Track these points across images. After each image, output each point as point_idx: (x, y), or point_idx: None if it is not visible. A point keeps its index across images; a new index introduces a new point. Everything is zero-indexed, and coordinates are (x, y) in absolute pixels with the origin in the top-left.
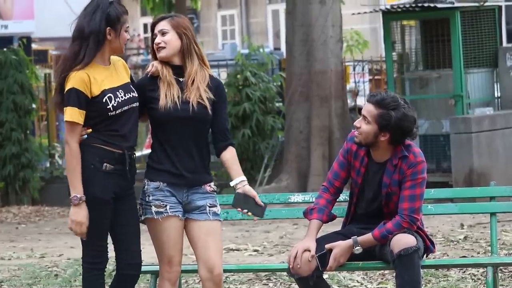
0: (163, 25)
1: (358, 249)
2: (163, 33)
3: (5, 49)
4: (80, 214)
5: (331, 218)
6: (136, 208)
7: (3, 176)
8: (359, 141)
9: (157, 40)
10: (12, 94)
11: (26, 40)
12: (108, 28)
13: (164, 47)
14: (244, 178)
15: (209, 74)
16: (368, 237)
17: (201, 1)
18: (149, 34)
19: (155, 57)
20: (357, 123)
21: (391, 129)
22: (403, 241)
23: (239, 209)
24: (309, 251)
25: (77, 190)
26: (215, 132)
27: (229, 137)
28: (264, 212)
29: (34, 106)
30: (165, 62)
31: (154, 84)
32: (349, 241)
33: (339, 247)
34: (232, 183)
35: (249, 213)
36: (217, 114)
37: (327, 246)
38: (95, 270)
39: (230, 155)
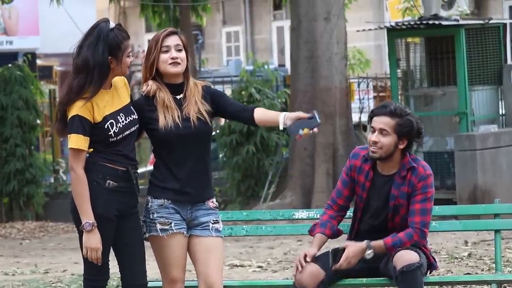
0: (177, 40)
1: (369, 253)
2: (179, 50)
3: (10, 65)
4: (94, 240)
5: (335, 232)
6: (140, 227)
7: (8, 192)
8: (379, 156)
9: (174, 55)
10: (17, 109)
11: (31, 56)
12: (110, 57)
13: (179, 63)
14: (283, 113)
15: (202, 86)
16: (379, 243)
17: (207, 17)
18: None
19: (150, 72)
20: (374, 138)
21: (411, 134)
22: (406, 257)
23: (298, 135)
24: (308, 255)
25: (88, 216)
26: (236, 113)
27: (248, 107)
28: (318, 116)
29: (38, 121)
30: (160, 81)
31: (151, 104)
32: (362, 244)
33: (353, 246)
34: (281, 127)
35: (307, 130)
36: (227, 106)
37: (344, 244)
38: None
39: (259, 113)
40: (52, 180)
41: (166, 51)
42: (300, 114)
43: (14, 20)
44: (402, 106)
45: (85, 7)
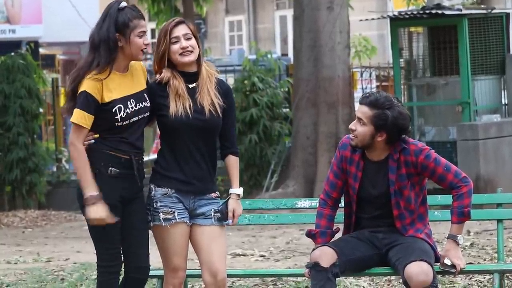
0: (185, 29)
1: (460, 239)
2: (188, 38)
3: (12, 54)
4: (99, 210)
5: (334, 235)
6: (145, 211)
7: (10, 180)
8: (355, 144)
9: (184, 44)
10: (20, 98)
11: (34, 45)
12: (117, 34)
13: (192, 51)
14: (236, 190)
15: (217, 78)
16: (453, 227)
17: (208, 6)
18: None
19: (159, 64)
20: (352, 125)
21: (388, 129)
22: (421, 278)
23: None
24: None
25: (90, 188)
26: (222, 137)
27: (234, 145)
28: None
29: (41, 110)
30: (173, 68)
31: (163, 91)
32: (453, 243)
33: (452, 250)
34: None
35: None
36: (226, 120)
37: (445, 261)
38: (110, 274)
39: (228, 163)
40: (54, 168)
41: (176, 42)
42: (232, 209)
43: (17, 8)
44: (389, 98)
45: None
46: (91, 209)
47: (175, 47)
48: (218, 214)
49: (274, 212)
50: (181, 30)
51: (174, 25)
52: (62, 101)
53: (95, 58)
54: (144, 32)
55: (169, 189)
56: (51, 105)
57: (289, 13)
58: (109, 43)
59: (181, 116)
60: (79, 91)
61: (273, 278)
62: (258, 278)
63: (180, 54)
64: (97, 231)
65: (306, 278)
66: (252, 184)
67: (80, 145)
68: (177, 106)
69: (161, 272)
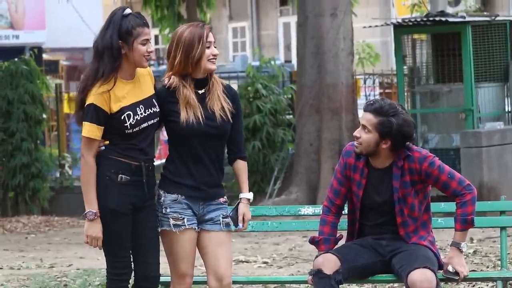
0: (213, 37)
1: (463, 247)
2: (215, 46)
3: (16, 59)
4: (95, 229)
5: (338, 242)
6: (155, 219)
7: (13, 186)
8: (359, 151)
9: (216, 52)
10: (23, 104)
11: (37, 50)
12: (120, 41)
13: (215, 59)
14: (246, 194)
15: (223, 83)
16: (456, 234)
17: (212, 13)
18: (161, 46)
19: (193, 67)
20: (356, 133)
21: (393, 136)
22: (424, 285)
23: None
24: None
25: (92, 205)
26: (229, 142)
27: (242, 149)
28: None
29: (44, 116)
30: (183, 75)
31: (173, 96)
32: (457, 250)
33: (455, 258)
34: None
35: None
36: (234, 125)
37: (448, 268)
38: (120, 281)
39: (237, 168)
40: (58, 174)
41: (208, 47)
42: (238, 217)
43: (20, 14)
44: (394, 106)
45: (92, 2)
46: (89, 225)
47: (208, 52)
48: (227, 220)
49: (277, 219)
50: (212, 37)
51: (209, 31)
52: (65, 107)
53: (100, 66)
54: (148, 40)
55: (179, 195)
56: (54, 111)
57: (292, 20)
58: (112, 50)
59: (193, 124)
60: (86, 103)
61: (276, 285)
62: (261, 284)
63: (209, 60)
64: (108, 239)
65: (309, 285)
66: (255, 190)
67: (90, 159)
68: (188, 114)
69: (166, 279)
